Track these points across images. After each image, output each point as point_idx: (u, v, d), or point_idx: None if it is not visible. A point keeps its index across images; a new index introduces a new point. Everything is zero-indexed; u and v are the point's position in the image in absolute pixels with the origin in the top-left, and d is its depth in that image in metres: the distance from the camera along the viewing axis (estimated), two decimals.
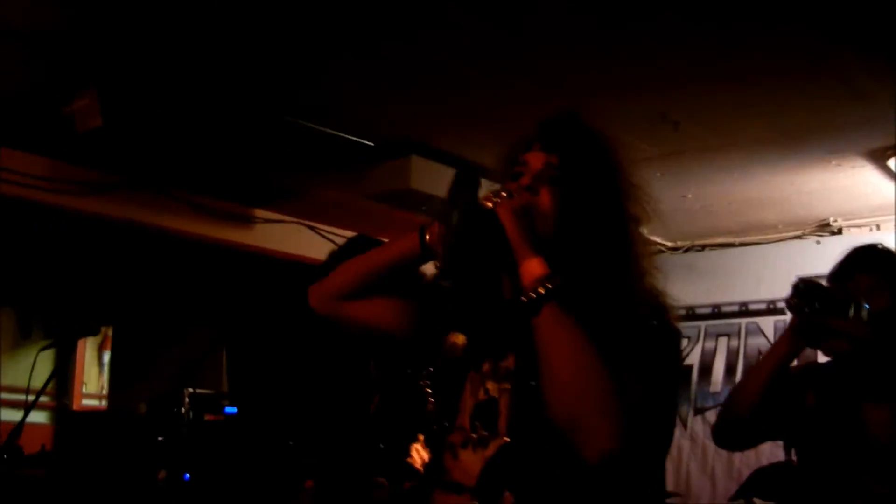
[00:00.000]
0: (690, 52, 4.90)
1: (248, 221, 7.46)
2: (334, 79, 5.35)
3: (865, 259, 3.74)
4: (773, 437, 4.02)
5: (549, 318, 2.19)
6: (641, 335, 2.25)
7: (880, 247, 3.83)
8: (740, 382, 3.80)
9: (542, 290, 2.19)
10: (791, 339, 3.57)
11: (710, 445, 8.14)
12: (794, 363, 3.75)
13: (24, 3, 4.60)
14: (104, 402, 11.07)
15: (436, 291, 2.48)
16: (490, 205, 2.30)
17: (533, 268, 2.23)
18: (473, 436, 2.33)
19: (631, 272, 2.36)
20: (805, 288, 3.50)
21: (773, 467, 5.86)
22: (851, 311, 3.46)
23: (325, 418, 4.41)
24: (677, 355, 2.41)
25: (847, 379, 3.65)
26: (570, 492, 2.19)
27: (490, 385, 2.37)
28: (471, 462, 2.31)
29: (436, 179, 6.12)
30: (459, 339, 2.45)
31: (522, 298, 2.22)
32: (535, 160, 2.44)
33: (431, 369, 2.48)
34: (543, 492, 2.20)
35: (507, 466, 2.25)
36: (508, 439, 2.28)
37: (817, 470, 3.68)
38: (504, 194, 2.33)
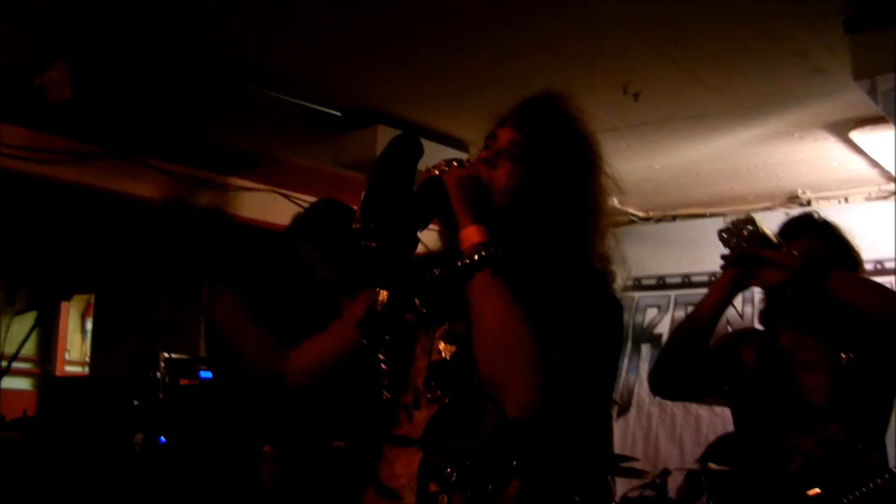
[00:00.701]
0: (647, 22, 4.96)
1: (222, 190, 7.51)
2: (303, 49, 5.43)
3: (799, 227, 3.77)
4: (711, 392, 4.08)
5: (480, 284, 2.32)
6: (581, 306, 2.37)
7: (816, 216, 3.88)
8: (681, 326, 3.75)
9: (476, 257, 2.32)
10: (726, 276, 3.58)
11: (679, 413, 8.25)
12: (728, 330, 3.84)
13: None
14: (87, 369, 11.14)
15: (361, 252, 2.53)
16: (437, 172, 2.43)
17: (470, 235, 2.36)
18: (428, 395, 2.45)
19: (580, 251, 2.49)
20: (736, 220, 3.56)
21: (733, 435, 5.95)
22: (783, 248, 3.51)
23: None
24: (616, 327, 2.49)
25: (779, 315, 3.73)
26: (501, 444, 2.32)
27: (442, 346, 2.48)
28: (422, 419, 2.43)
29: None
30: (382, 294, 2.57)
31: (458, 263, 2.35)
32: (503, 136, 2.56)
33: (387, 338, 2.60)
34: (481, 444, 2.33)
35: (449, 421, 2.39)
36: (447, 400, 2.41)
37: (754, 433, 3.78)
38: (455, 164, 2.46)
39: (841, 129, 6.49)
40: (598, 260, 2.52)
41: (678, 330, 3.79)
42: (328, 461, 3.88)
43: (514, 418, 2.24)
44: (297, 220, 4.36)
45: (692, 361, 3.68)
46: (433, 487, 2.33)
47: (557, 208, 2.48)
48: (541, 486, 2.34)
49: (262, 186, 7.62)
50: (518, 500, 2.31)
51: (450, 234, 2.46)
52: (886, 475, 3.33)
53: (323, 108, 6.15)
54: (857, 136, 6.48)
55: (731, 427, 6.53)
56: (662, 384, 3.87)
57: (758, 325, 4.01)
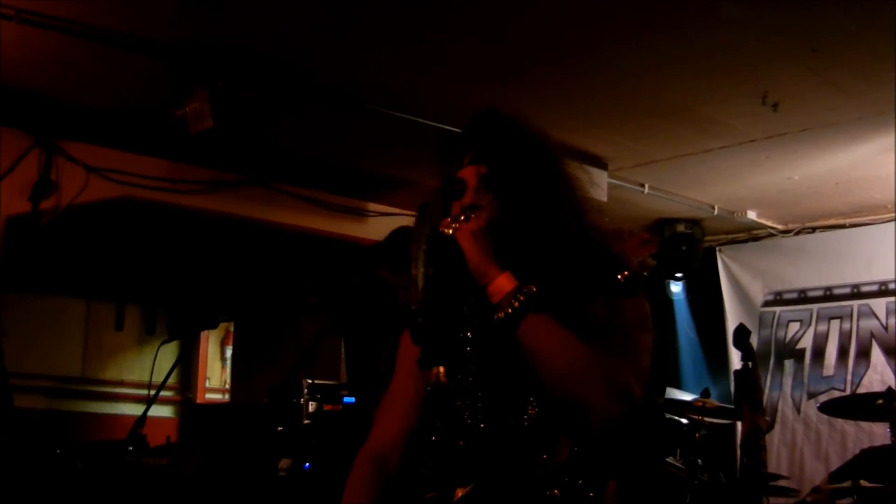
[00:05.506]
0: (782, 30, 4.92)
1: (361, 215, 7.57)
2: (432, 72, 5.54)
3: None
4: None
5: (528, 329, 2.32)
6: (614, 296, 2.40)
7: None
8: None
9: (515, 304, 2.32)
10: None
11: (824, 430, 8.09)
12: None
13: (144, 15, 4.87)
14: (227, 396, 11.29)
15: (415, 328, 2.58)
16: (450, 231, 2.40)
17: (500, 286, 2.37)
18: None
19: (587, 247, 2.49)
20: None
21: (883, 449, 5.78)
22: None
23: None
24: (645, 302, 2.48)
25: None
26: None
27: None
28: None
29: None
30: (441, 369, 2.54)
31: (498, 316, 2.35)
32: (469, 175, 2.52)
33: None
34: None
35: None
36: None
37: None
38: (463, 218, 2.42)
39: None
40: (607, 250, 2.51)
41: None
42: None
43: (601, 429, 2.32)
44: (378, 247, 4.50)
45: None
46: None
47: (551, 219, 2.49)
48: (633, 478, 2.41)
49: (401, 211, 7.62)
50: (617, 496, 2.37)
51: (476, 286, 2.43)
52: None
53: (455, 129, 6.15)
54: None
55: (877, 442, 6.40)
56: None
57: None
